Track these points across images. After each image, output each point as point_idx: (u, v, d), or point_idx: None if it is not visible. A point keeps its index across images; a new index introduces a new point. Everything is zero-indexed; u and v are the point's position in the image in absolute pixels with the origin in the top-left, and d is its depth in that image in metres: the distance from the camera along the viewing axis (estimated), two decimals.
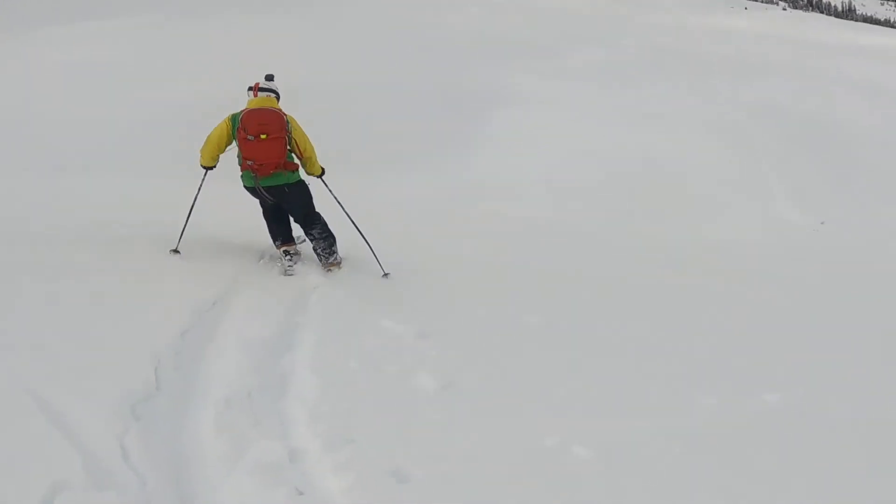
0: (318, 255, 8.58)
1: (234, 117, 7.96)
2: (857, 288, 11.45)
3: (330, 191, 8.68)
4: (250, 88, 8.18)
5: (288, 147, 7.97)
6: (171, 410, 5.88)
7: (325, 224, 8.50)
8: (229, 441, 5.48)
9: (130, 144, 15.91)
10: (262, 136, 7.72)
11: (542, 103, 20.96)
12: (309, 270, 8.87)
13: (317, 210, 8.40)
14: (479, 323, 8.17)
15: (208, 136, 8.30)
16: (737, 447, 5.82)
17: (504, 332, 7.99)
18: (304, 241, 8.92)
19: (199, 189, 8.96)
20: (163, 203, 10.95)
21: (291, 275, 8.40)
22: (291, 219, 8.65)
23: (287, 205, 8.37)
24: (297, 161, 8.16)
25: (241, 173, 8.21)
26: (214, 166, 8.63)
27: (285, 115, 7.97)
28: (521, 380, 6.80)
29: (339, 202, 8.64)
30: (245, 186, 8.36)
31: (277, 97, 8.22)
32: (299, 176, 8.28)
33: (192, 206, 9.00)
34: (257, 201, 8.61)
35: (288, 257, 8.44)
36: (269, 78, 8.29)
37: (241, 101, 8.50)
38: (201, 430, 5.64)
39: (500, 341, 7.67)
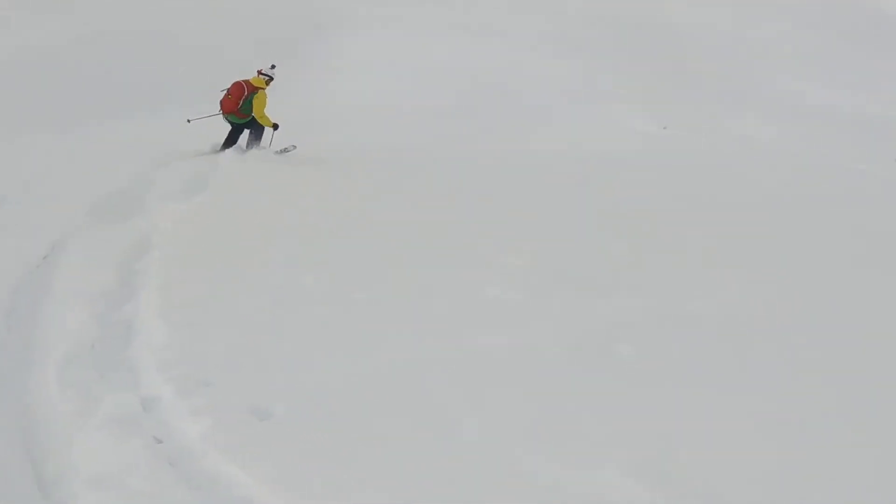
0: (249, 145, 13.11)
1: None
2: (704, 189, 11.93)
3: (273, 132, 12.85)
4: (258, 70, 12.74)
5: (248, 105, 12.53)
6: (10, 372, 5.58)
7: (257, 136, 12.97)
8: (77, 397, 5.24)
9: None
10: (228, 96, 12.53)
11: (380, 25, 20.69)
12: None
13: (253, 132, 12.96)
14: (343, 249, 8.13)
15: None
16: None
17: (370, 252, 7.98)
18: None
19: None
20: None
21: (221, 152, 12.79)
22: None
23: (238, 132, 13.00)
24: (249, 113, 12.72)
25: None
26: None
27: (256, 89, 12.46)
28: (386, 304, 6.79)
29: (272, 131, 12.94)
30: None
31: (269, 79, 12.63)
32: (248, 120, 12.79)
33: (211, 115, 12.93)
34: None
35: (222, 150, 12.86)
36: (272, 67, 12.79)
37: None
38: (45, 389, 5.37)
39: (364, 262, 7.66)
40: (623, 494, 4.31)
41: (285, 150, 13.01)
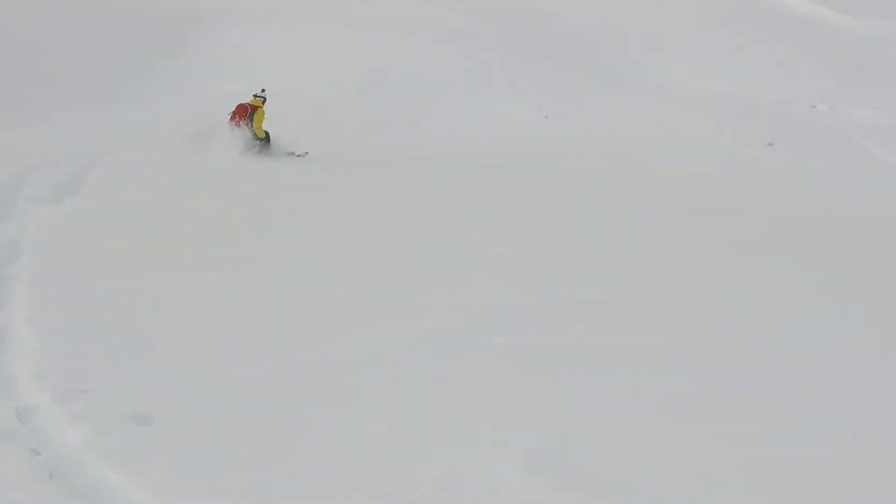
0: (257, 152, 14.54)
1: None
2: (583, 170, 12.36)
3: (260, 143, 14.43)
4: (253, 94, 14.70)
5: (250, 120, 14.54)
6: None
7: (263, 144, 14.50)
8: None
9: None
10: (234, 114, 14.41)
11: (262, 19, 20.45)
12: None
13: (260, 139, 14.56)
14: (235, 250, 8.16)
15: None
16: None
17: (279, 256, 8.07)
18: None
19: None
20: None
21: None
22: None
23: None
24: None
25: None
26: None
27: (256, 108, 14.56)
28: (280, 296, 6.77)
29: (260, 143, 14.51)
30: None
31: (263, 101, 14.63)
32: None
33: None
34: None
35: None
36: (263, 90, 14.75)
37: None
38: None
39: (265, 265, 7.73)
40: (519, 484, 4.42)
41: (292, 154, 14.61)
